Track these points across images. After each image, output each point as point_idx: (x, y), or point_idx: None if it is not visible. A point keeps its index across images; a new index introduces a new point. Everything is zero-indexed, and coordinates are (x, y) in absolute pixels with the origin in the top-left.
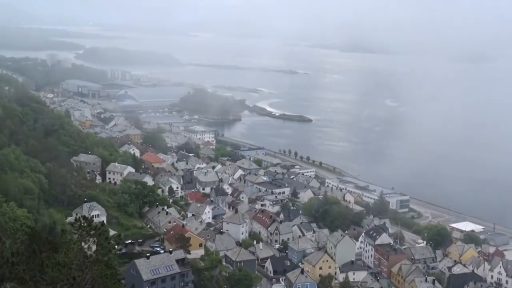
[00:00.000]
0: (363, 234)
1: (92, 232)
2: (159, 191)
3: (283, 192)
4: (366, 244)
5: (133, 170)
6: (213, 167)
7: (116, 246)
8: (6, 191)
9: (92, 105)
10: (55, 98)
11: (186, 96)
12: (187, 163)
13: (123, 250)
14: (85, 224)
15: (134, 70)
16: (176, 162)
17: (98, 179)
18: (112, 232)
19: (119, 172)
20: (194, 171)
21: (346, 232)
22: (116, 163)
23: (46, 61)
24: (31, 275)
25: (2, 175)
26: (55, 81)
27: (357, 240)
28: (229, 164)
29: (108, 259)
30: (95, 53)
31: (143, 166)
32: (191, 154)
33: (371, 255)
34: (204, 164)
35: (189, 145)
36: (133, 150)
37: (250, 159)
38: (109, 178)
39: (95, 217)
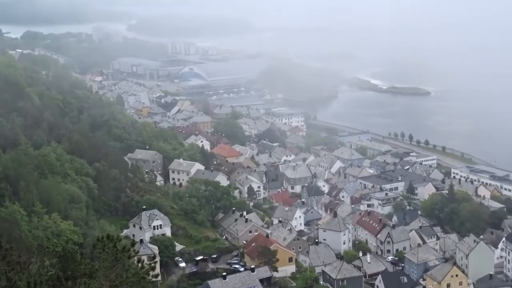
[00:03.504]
0: (504, 239)
1: (119, 255)
2: (236, 192)
3: (396, 188)
4: (509, 252)
5: (202, 167)
6: (304, 159)
7: (153, 270)
8: (48, 200)
9: (150, 88)
10: (105, 82)
11: (266, 70)
12: (270, 156)
13: (194, 269)
14: (110, 245)
15: (200, 42)
16: (257, 154)
17: (159, 181)
18: (178, 247)
19: (185, 171)
20: (280, 166)
21: (481, 237)
22: (181, 160)
23: (92, 36)
24: None
25: (41, 180)
26: (104, 60)
27: (496, 247)
28: (325, 155)
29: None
30: (151, 23)
31: (215, 162)
32: (275, 144)
33: None
34: (293, 156)
35: (272, 133)
36: (202, 142)
37: (351, 147)
38: (173, 179)
39: (157, 228)
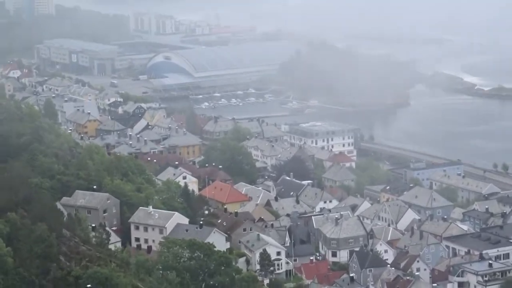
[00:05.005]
0: None
1: None
2: (241, 262)
3: (507, 255)
4: None
5: (185, 220)
6: (354, 208)
7: None
8: None
9: (99, 89)
10: (26, 79)
11: (292, 60)
12: (298, 201)
13: None
14: None
15: (181, 13)
16: (276, 199)
17: (115, 242)
18: None
19: (157, 226)
20: (314, 218)
21: None
22: (151, 208)
23: (4, 5)
24: None
25: None
26: (24, 44)
27: None
28: (388, 200)
29: None
30: None
31: (207, 211)
32: (305, 182)
33: None
34: (335, 202)
35: (301, 164)
36: (185, 178)
37: (431, 188)
38: (137, 239)
39: None
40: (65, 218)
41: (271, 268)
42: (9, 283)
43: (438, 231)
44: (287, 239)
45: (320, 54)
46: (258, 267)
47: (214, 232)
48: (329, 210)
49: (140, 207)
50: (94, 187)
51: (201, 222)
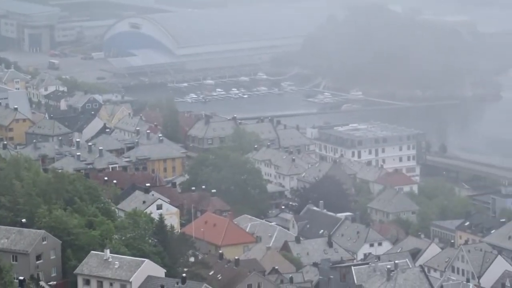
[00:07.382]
0: None
1: None
2: None
3: None
4: None
5: (161, 271)
6: (415, 254)
7: None
8: None
9: (31, 72)
10: None
11: (321, 31)
12: (330, 244)
13: None
14: None
15: None
16: (297, 241)
17: None
18: None
19: (118, 280)
20: (354, 269)
21: None
22: (108, 252)
23: None
24: None
25: None
26: None
27: None
28: (466, 243)
29: None
30: None
31: (193, 258)
32: (342, 215)
33: None
34: (386, 245)
35: (336, 187)
36: (161, 206)
37: None
38: None
39: None
40: None
41: None
42: None
43: None
44: None
45: (366, 22)
46: None
47: None
48: (378, 258)
49: (92, 251)
50: (23, 220)
51: (184, 275)
